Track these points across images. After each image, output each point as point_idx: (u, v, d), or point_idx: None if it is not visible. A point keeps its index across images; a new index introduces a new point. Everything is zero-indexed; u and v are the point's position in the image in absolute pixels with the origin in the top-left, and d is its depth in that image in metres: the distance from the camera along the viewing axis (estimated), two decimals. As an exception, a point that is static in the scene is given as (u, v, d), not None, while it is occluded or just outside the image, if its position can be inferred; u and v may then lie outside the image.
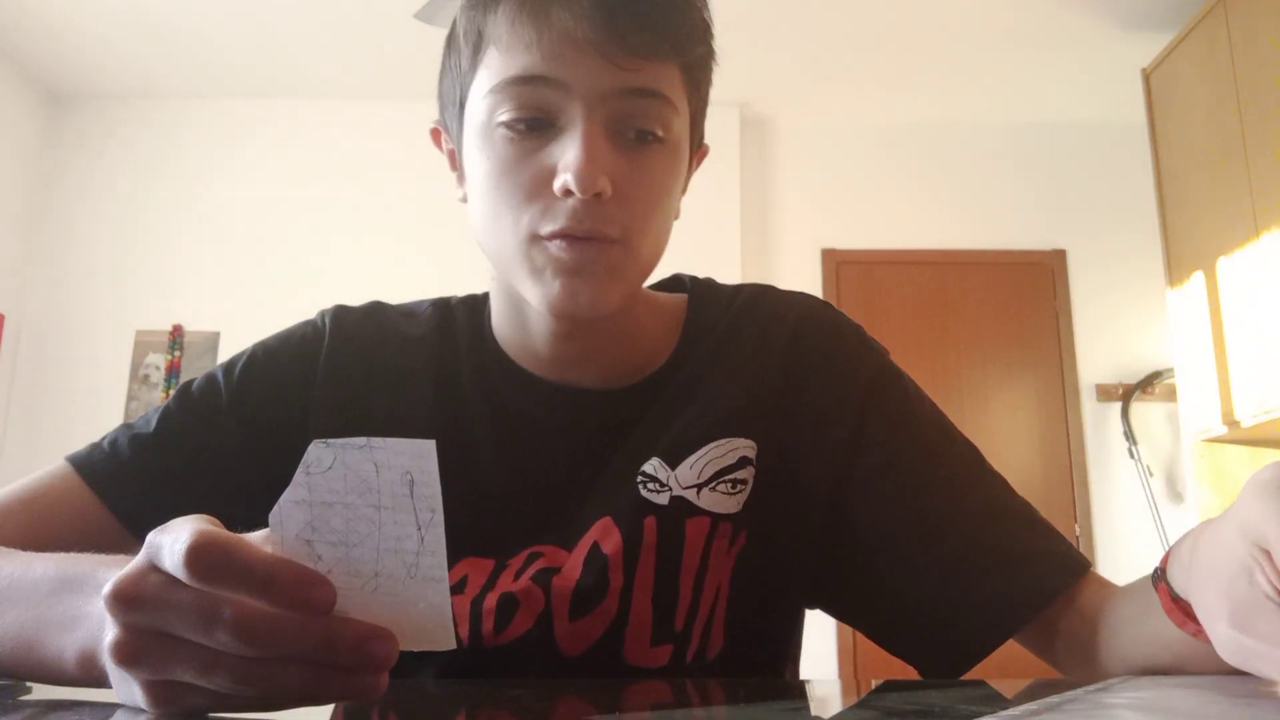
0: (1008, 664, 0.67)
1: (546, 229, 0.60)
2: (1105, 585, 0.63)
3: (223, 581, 0.35)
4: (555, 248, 0.60)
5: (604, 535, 0.65)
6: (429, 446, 0.37)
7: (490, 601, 0.63)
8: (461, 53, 0.65)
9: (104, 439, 0.70)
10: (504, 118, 0.60)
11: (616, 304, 0.63)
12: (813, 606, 0.74)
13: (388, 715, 0.45)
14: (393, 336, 0.74)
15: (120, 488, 0.66)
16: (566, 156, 0.59)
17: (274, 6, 3.36)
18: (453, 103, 0.67)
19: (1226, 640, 0.38)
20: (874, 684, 0.58)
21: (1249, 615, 0.37)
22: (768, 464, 0.68)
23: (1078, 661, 0.62)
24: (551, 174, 0.59)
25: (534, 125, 0.60)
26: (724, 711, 0.49)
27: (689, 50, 0.63)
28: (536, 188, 0.60)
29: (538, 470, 0.68)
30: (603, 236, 0.60)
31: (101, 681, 0.40)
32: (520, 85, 0.60)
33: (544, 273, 0.61)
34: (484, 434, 0.69)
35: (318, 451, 0.37)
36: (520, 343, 0.70)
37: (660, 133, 0.62)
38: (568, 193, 0.59)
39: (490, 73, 0.61)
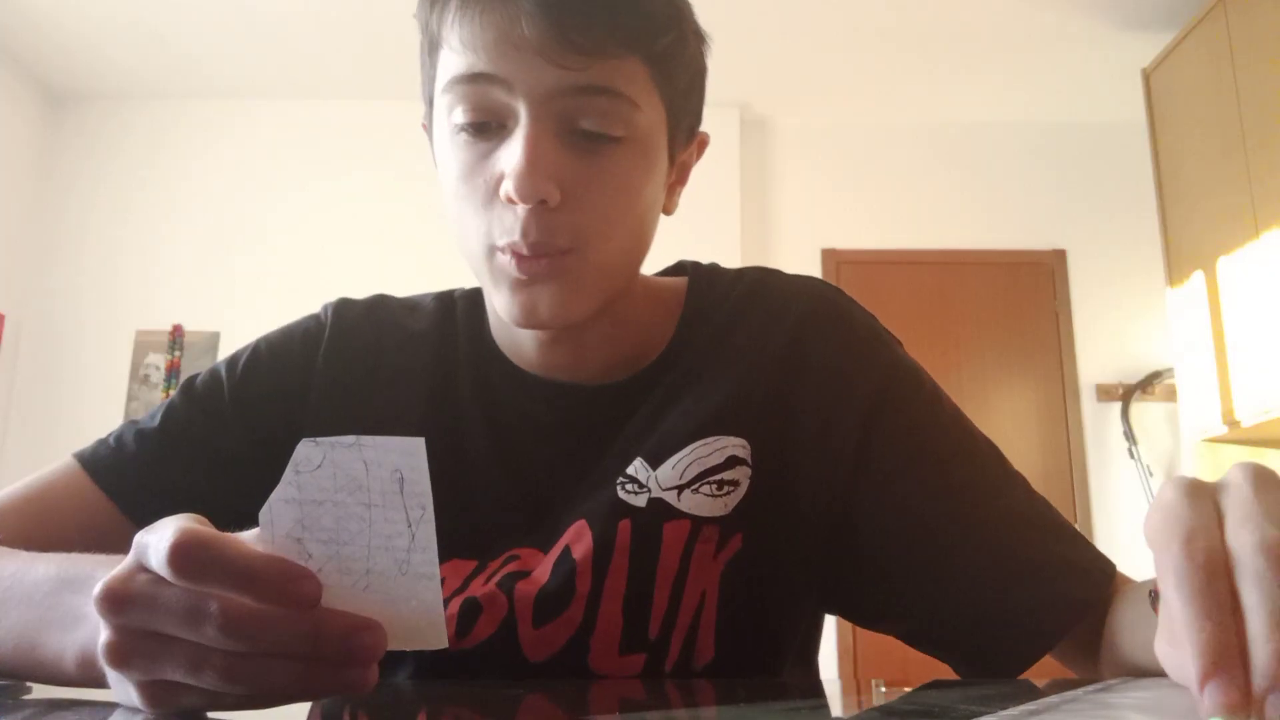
0: (1007, 664, 0.66)
1: (500, 241, 0.59)
2: (1120, 586, 0.63)
3: (207, 578, 0.35)
4: (508, 263, 0.59)
5: (576, 539, 0.63)
6: (418, 444, 0.37)
7: (453, 607, 0.61)
8: (424, 52, 0.64)
9: (110, 435, 0.70)
10: (457, 119, 0.59)
11: (583, 313, 0.61)
12: (830, 612, 0.72)
13: (358, 715, 0.45)
14: (393, 331, 0.73)
15: (125, 482, 0.66)
16: (510, 162, 0.57)
17: (274, 7, 3.36)
18: (427, 101, 0.66)
19: (1161, 655, 0.39)
20: (874, 684, 0.58)
21: (1173, 631, 0.37)
22: (765, 464, 0.64)
23: (1086, 663, 0.62)
24: (501, 179, 0.58)
25: (483, 127, 0.59)
26: (723, 711, 0.48)
27: (650, 42, 0.59)
28: (489, 194, 0.59)
29: (528, 470, 0.67)
30: (552, 248, 0.58)
31: (101, 682, 0.40)
32: (465, 84, 0.58)
33: (503, 286, 0.60)
34: (477, 433, 0.68)
35: (306, 450, 0.37)
36: (513, 340, 0.69)
37: (618, 132, 0.59)
38: (512, 199, 0.57)
39: (443, 73, 0.60)
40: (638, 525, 0.62)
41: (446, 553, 0.63)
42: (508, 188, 0.56)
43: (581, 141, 0.59)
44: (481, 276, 0.63)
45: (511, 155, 0.57)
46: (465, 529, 0.64)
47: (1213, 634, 0.33)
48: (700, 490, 0.63)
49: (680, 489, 0.63)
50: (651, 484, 0.63)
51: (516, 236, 0.58)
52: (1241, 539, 0.35)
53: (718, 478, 0.63)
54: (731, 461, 0.64)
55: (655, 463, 0.64)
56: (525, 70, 0.57)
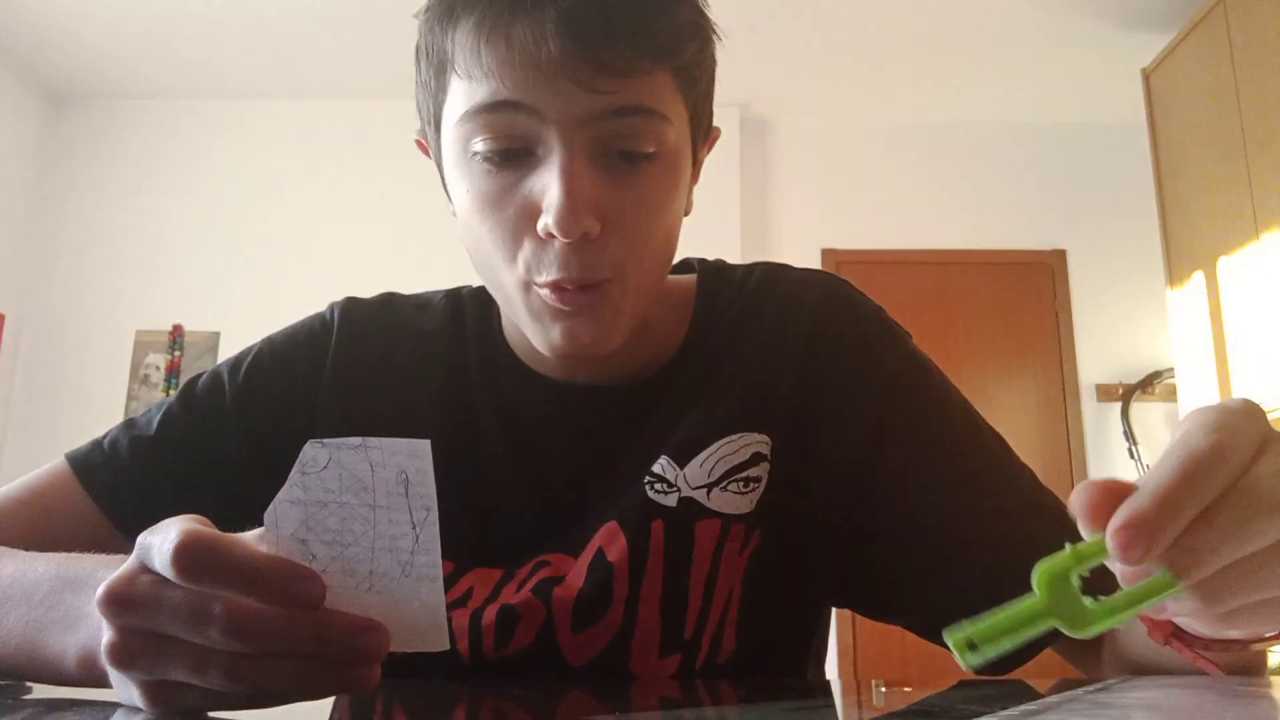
0: (1008, 664, 0.66)
1: (540, 278, 0.56)
2: None
3: (210, 579, 0.35)
4: (549, 297, 0.57)
5: (609, 541, 0.62)
6: (424, 446, 0.37)
7: (489, 615, 0.61)
8: (427, 70, 0.61)
9: (105, 437, 0.68)
10: (478, 148, 0.56)
11: (623, 338, 0.60)
12: (840, 605, 0.71)
13: (389, 710, 0.45)
14: (403, 332, 0.71)
15: (116, 492, 0.65)
16: (548, 196, 0.54)
17: (273, 7, 3.35)
18: (429, 120, 0.63)
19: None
20: (874, 684, 0.58)
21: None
22: (784, 459, 0.64)
23: (1089, 656, 0.62)
24: (535, 210, 0.55)
25: (510, 155, 0.56)
26: (725, 711, 0.48)
27: (679, 53, 0.57)
28: (522, 226, 0.56)
29: (546, 474, 0.66)
30: (597, 279, 0.57)
31: (103, 682, 0.40)
32: (489, 113, 0.55)
33: (542, 318, 0.59)
34: (493, 437, 0.67)
35: (313, 451, 0.37)
36: (528, 343, 0.67)
37: (651, 149, 0.57)
38: (552, 235, 0.55)
39: (458, 99, 0.57)
40: (670, 525, 0.62)
41: (471, 561, 0.63)
42: (548, 224, 0.54)
43: (616, 163, 0.56)
44: (514, 308, 0.61)
45: (548, 188, 0.54)
46: (488, 537, 0.64)
47: (1167, 499, 0.32)
48: (728, 488, 0.63)
49: (709, 487, 0.63)
50: (680, 483, 0.63)
51: (558, 273, 0.56)
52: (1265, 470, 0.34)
53: (744, 475, 0.63)
54: (756, 458, 0.64)
55: (682, 461, 0.63)
56: (555, 96, 0.54)
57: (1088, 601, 0.33)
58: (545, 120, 0.55)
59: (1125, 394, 3.74)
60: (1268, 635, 0.42)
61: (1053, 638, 0.61)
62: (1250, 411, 0.36)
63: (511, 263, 0.58)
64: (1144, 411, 3.75)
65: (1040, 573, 0.33)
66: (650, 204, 0.58)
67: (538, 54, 0.53)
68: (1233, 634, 0.40)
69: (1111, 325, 3.85)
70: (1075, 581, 0.33)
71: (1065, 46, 3.53)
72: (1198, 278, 2.92)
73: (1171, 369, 3.39)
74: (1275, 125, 2.60)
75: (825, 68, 3.72)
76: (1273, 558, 0.34)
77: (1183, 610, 0.35)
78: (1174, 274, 3.05)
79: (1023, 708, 0.37)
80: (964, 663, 0.31)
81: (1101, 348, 3.83)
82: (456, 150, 0.58)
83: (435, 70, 0.60)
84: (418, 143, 0.68)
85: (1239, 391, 2.70)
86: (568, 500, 0.65)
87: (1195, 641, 0.41)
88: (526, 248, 0.57)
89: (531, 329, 0.60)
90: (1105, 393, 3.78)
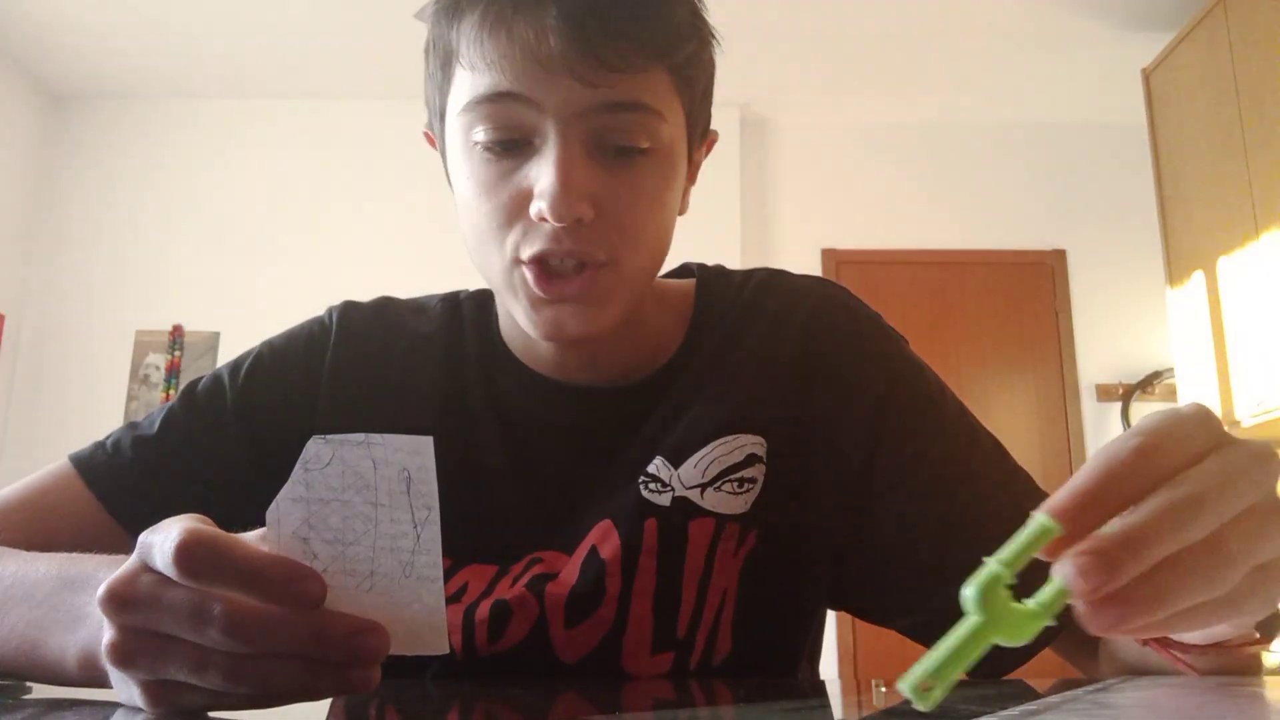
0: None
1: (526, 253, 0.58)
2: None
3: (212, 578, 0.35)
4: (532, 279, 0.58)
5: (602, 539, 0.63)
6: (426, 443, 0.37)
7: (483, 610, 0.62)
8: (434, 63, 0.63)
9: (108, 439, 0.69)
10: (478, 138, 0.58)
11: (610, 326, 0.61)
12: (837, 608, 0.72)
13: (384, 711, 0.45)
14: (401, 335, 0.73)
15: (120, 491, 0.66)
16: (541, 182, 0.56)
17: (273, 6, 3.35)
18: (435, 112, 0.65)
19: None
20: (874, 684, 0.58)
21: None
22: (779, 461, 0.65)
23: (1086, 657, 0.62)
24: (529, 197, 0.57)
25: (509, 145, 0.58)
26: (724, 711, 0.49)
27: (675, 51, 0.59)
28: (515, 211, 0.58)
29: (544, 473, 0.67)
30: (587, 260, 0.58)
31: (103, 682, 0.40)
32: (490, 104, 0.57)
33: (524, 300, 0.60)
34: (491, 437, 0.68)
35: (316, 448, 0.37)
36: (526, 343, 0.69)
37: (646, 145, 0.59)
38: (545, 219, 0.56)
39: (461, 90, 0.59)
40: (663, 524, 0.63)
41: (466, 558, 0.64)
42: (541, 208, 0.56)
43: (610, 156, 0.58)
44: (501, 290, 0.62)
45: (543, 176, 0.56)
46: (484, 534, 0.64)
47: (1087, 490, 0.32)
48: (722, 489, 0.64)
49: (703, 487, 0.64)
50: (674, 482, 0.64)
51: (544, 246, 0.57)
52: (1206, 470, 0.33)
53: (738, 475, 0.64)
54: (750, 459, 0.65)
55: (676, 461, 0.64)
56: (553, 89, 0.56)
57: (1024, 605, 0.31)
58: (543, 112, 0.56)
59: (1125, 394, 3.74)
60: (1257, 639, 0.42)
61: (1050, 638, 0.62)
62: (1198, 418, 0.34)
63: (501, 245, 0.59)
64: (1144, 412, 3.73)
65: (972, 591, 0.31)
66: (643, 197, 0.60)
67: (538, 48, 0.55)
68: (1190, 637, 0.39)
69: (1111, 325, 3.85)
70: (1005, 592, 0.31)
71: (1065, 46, 3.53)
72: (1198, 278, 2.92)
73: (1171, 369, 3.39)
74: (1275, 125, 2.60)
75: (825, 68, 3.71)
76: (1205, 556, 0.32)
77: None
78: (1174, 274, 3.05)
79: (1023, 708, 0.37)
80: (923, 705, 0.30)
81: (1101, 348, 3.83)
82: (459, 139, 0.60)
83: (441, 63, 0.61)
84: (425, 135, 0.69)
85: (1239, 392, 2.70)
86: (565, 499, 0.66)
87: (1172, 644, 0.41)
88: (517, 228, 0.58)
89: (519, 311, 0.61)
90: (1105, 393, 3.78)
